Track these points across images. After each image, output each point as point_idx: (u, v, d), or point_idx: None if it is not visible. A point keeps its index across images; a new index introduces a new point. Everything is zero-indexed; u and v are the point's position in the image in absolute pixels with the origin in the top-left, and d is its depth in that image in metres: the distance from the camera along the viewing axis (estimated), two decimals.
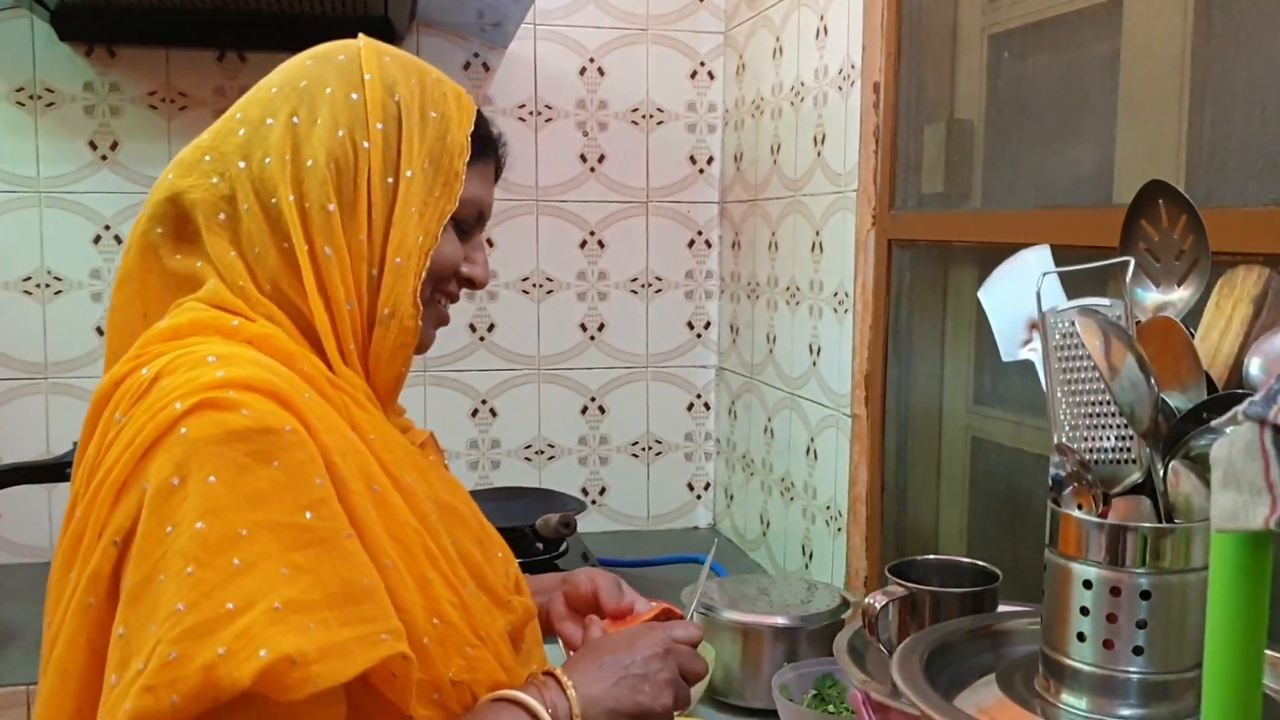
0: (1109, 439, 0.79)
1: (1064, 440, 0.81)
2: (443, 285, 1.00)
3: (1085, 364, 0.79)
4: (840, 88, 1.73)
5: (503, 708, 0.89)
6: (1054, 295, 0.86)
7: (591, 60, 2.22)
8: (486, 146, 1.01)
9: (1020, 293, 0.87)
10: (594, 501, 2.28)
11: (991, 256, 1.51)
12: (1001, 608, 1.08)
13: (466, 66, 2.16)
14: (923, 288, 1.62)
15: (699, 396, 2.33)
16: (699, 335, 2.32)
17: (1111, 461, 0.79)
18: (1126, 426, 0.77)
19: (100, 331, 2.04)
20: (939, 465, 1.63)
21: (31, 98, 1.99)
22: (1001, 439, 1.49)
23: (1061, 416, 0.81)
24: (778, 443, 2.00)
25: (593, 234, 2.25)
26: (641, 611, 1.06)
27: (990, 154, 1.51)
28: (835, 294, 1.75)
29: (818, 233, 1.82)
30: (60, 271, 2.02)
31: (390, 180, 0.93)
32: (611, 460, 2.30)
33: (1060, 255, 0.98)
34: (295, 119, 0.93)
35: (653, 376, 2.31)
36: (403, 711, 0.84)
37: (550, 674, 0.94)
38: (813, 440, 1.85)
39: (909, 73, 1.61)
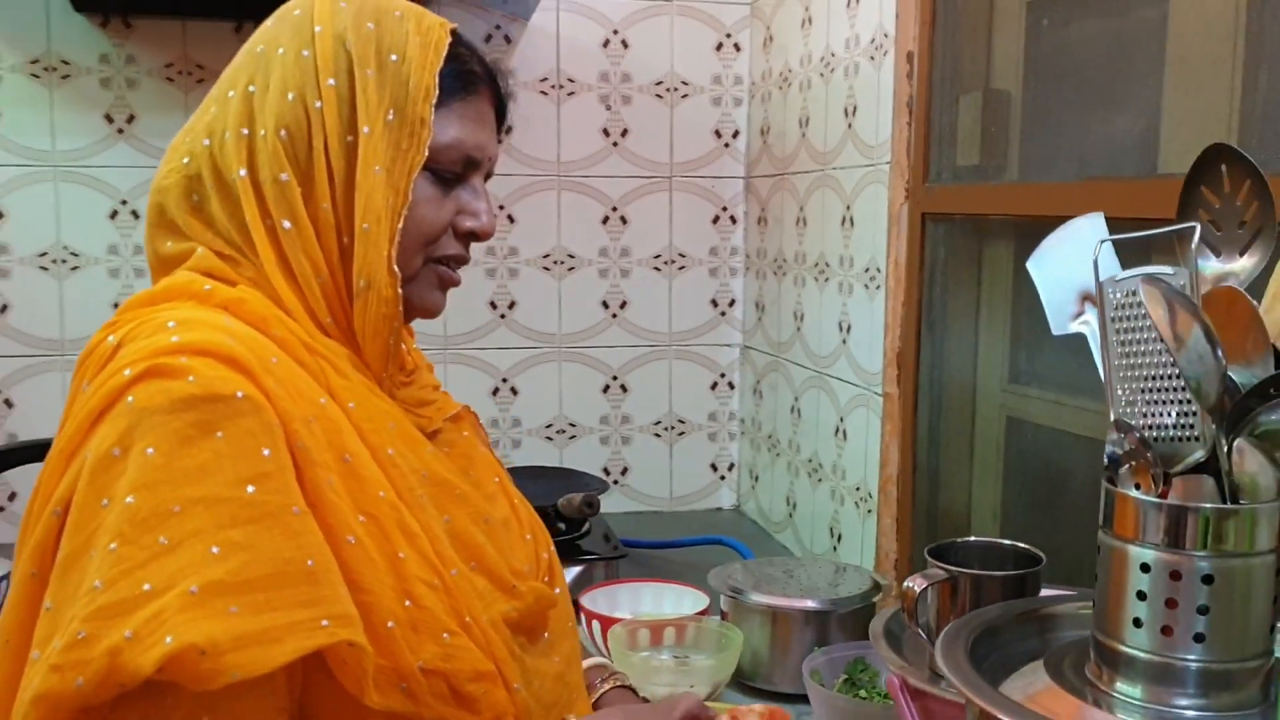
0: (1170, 415, 0.74)
1: (1121, 416, 0.77)
2: (437, 245, 0.94)
3: (1147, 336, 0.75)
4: (872, 58, 1.68)
5: None
6: (1108, 266, 0.82)
7: (615, 32, 2.17)
8: (467, 83, 0.93)
9: (1073, 263, 0.82)
10: (616, 482, 2.25)
11: (1029, 230, 1.48)
12: (1043, 592, 1.04)
13: (488, 39, 2.12)
14: (957, 263, 1.58)
15: (723, 375, 2.29)
16: (723, 313, 2.28)
17: (1173, 439, 0.75)
18: (1189, 402, 0.73)
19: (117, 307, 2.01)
20: (972, 445, 1.58)
21: (46, 70, 1.96)
22: (1038, 418, 1.45)
23: (1120, 392, 0.77)
24: (805, 422, 1.96)
25: (615, 210, 2.21)
26: None
27: (1028, 125, 1.47)
28: (866, 270, 1.71)
29: (848, 207, 1.78)
30: (77, 247, 1.99)
31: (350, 139, 0.88)
32: (634, 440, 2.26)
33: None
34: (251, 87, 0.89)
35: (675, 355, 2.27)
36: (358, 699, 0.79)
37: None
38: (842, 420, 1.81)
39: (944, 42, 1.56)
